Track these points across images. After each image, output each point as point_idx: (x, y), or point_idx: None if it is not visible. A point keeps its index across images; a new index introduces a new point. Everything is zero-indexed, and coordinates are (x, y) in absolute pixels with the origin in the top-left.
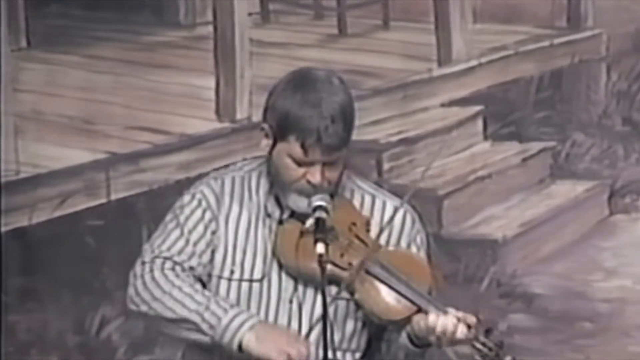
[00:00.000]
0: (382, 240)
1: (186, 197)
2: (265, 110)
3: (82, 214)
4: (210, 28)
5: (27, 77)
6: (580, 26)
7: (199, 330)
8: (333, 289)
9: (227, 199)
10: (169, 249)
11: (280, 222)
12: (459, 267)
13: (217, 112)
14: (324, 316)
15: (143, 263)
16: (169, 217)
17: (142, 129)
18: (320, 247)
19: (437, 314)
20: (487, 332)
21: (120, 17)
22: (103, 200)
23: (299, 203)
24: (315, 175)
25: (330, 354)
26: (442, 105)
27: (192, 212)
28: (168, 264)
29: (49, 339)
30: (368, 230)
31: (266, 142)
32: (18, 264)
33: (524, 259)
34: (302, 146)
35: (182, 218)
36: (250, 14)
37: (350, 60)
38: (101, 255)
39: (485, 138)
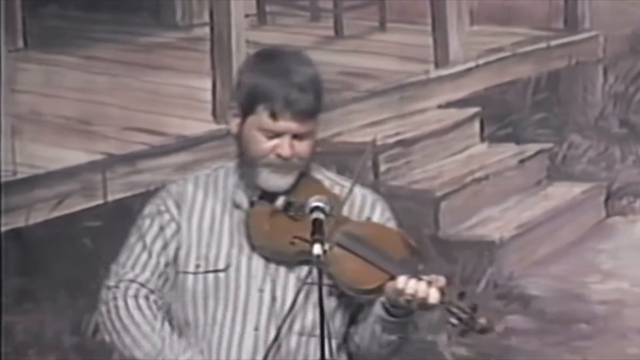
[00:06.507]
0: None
1: (146, 208)
2: (234, 91)
3: (79, 215)
4: (207, 29)
5: (24, 77)
6: (577, 28)
7: None
8: (305, 270)
9: (189, 197)
10: (132, 267)
11: (251, 205)
12: (456, 268)
13: (214, 113)
14: (322, 321)
15: (108, 288)
16: (133, 229)
17: (139, 130)
18: (317, 248)
19: (407, 277)
20: (461, 295)
21: (117, 19)
22: (100, 202)
23: (269, 181)
24: (284, 147)
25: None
26: (439, 106)
27: (152, 219)
28: (132, 290)
29: (47, 340)
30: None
31: (235, 122)
32: (15, 265)
33: (521, 261)
34: (272, 114)
35: (143, 229)
36: (246, 16)
37: (346, 62)
38: (98, 256)
39: (482, 140)
